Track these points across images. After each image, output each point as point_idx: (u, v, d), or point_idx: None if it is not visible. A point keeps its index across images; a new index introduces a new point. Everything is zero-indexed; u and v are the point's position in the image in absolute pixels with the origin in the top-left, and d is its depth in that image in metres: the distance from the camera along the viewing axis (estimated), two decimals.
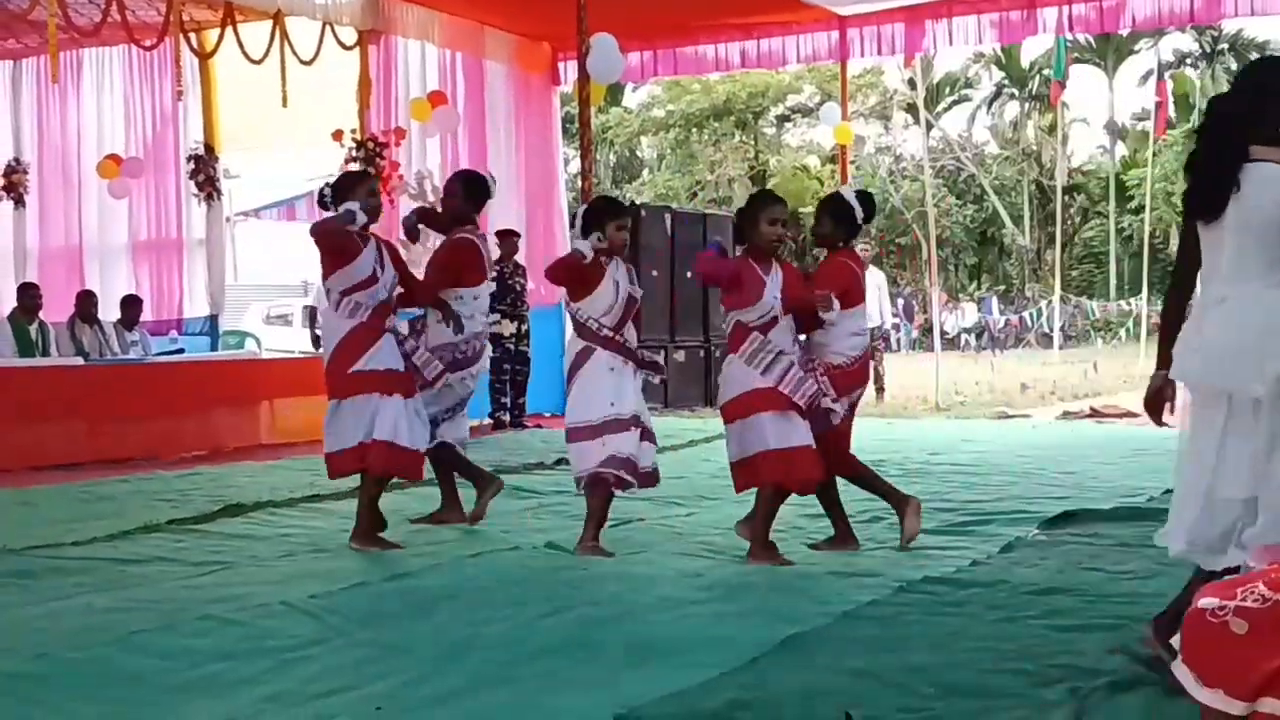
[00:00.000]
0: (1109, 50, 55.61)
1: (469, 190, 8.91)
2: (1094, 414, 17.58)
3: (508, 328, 15.82)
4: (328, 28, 15.17)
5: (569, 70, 18.32)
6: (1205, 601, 3.20)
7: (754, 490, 7.50)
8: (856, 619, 5.86)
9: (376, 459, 8.04)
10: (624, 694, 4.65)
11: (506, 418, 16.29)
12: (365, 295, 8.02)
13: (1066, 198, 50.78)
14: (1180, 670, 3.24)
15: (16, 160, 17.91)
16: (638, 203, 24.74)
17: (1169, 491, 9.51)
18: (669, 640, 5.49)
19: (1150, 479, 10.56)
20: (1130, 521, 8.41)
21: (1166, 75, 40.40)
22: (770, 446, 7.23)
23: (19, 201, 17.82)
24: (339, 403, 8.08)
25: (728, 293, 7.44)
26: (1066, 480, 10.78)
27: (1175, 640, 3.33)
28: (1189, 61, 59.60)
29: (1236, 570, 4.31)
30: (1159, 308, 31.84)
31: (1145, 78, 55.49)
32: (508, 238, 15.84)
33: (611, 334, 7.74)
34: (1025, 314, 44.95)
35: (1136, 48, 55.74)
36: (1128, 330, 38.90)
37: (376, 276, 8.08)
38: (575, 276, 7.75)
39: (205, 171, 16.53)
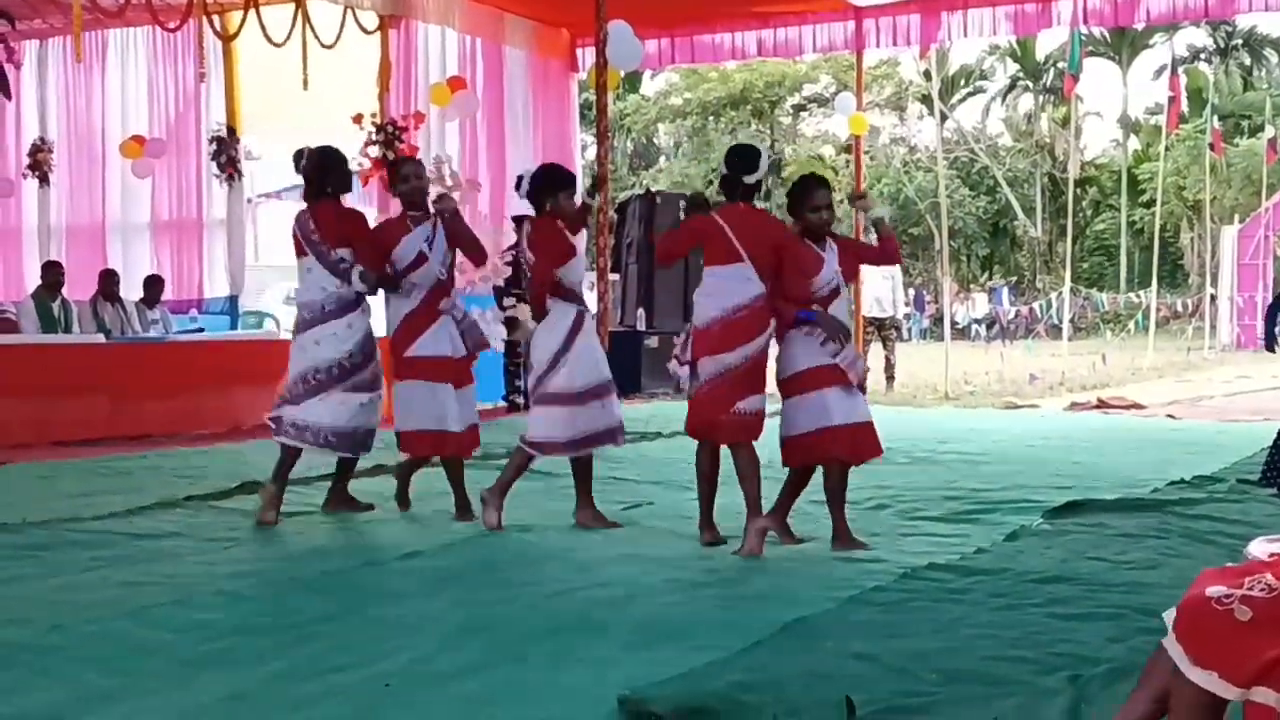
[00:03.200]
0: (1123, 44, 55.48)
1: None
2: (1101, 405, 17.60)
3: (523, 312, 15.84)
4: (349, 12, 15.22)
5: (587, 57, 18.37)
6: (1212, 590, 3.20)
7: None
8: (861, 604, 5.89)
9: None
10: (630, 674, 4.69)
11: (521, 400, 16.35)
12: (417, 276, 8.40)
13: (1079, 190, 50.68)
14: (1173, 648, 3.24)
15: (42, 139, 18.00)
16: (653, 189, 24.78)
17: (1173, 483, 9.67)
18: (675, 622, 5.55)
19: (1154, 470, 10.60)
20: (1134, 512, 8.42)
21: (1180, 70, 40.24)
22: (835, 422, 7.27)
23: (44, 180, 17.91)
24: (395, 384, 8.49)
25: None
26: (1072, 470, 10.78)
27: (1169, 615, 3.36)
28: (1203, 56, 59.50)
29: None
30: (1168, 300, 31.98)
31: (1159, 72, 55.46)
32: (524, 224, 15.81)
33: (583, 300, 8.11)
34: (1035, 305, 44.89)
35: (1150, 42, 55.61)
36: (1137, 323, 38.81)
37: (425, 256, 8.38)
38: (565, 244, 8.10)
39: (227, 152, 16.63)
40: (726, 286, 7.40)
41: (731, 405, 7.34)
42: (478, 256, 8.95)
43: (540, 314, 8.00)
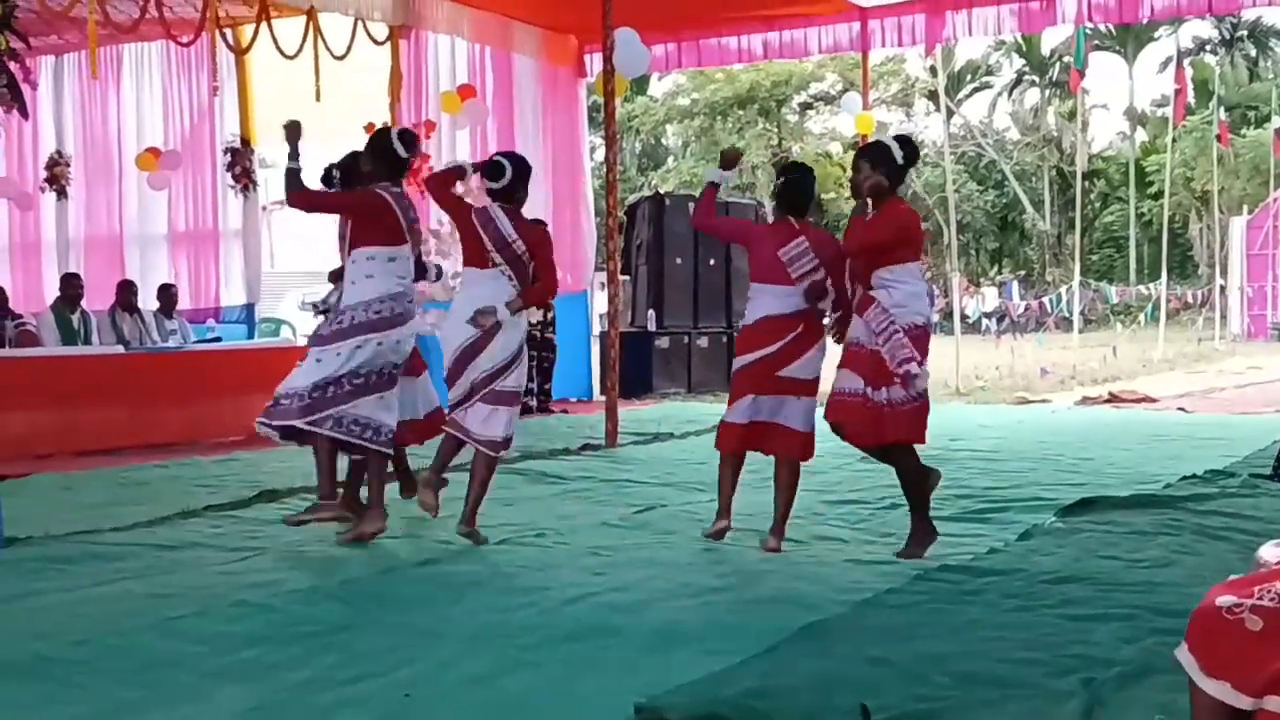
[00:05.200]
0: (1129, 37, 55.37)
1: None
2: (1112, 399, 17.64)
3: (534, 314, 15.89)
4: (360, 23, 15.29)
5: (595, 63, 18.41)
6: (1222, 600, 3.21)
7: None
8: (874, 607, 5.92)
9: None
10: (645, 680, 4.75)
11: (533, 403, 16.38)
12: None
13: (1086, 183, 50.71)
14: (1186, 658, 3.26)
15: (59, 153, 18.05)
16: (661, 191, 24.83)
17: (1185, 478, 9.70)
18: (690, 627, 5.59)
19: (1166, 465, 10.65)
20: (1146, 509, 8.45)
21: (1186, 62, 40.36)
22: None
23: (61, 193, 17.98)
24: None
25: None
26: (1084, 466, 10.82)
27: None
28: (1208, 48, 59.44)
29: None
30: (1178, 292, 32.01)
31: (1165, 64, 55.32)
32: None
33: None
34: (1045, 298, 44.84)
35: (1156, 35, 55.45)
36: (1147, 315, 38.81)
37: None
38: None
39: (241, 164, 16.71)
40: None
41: None
42: None
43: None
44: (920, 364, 7.13)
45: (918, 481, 7.40)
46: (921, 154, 54.91)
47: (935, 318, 44.94)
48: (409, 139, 8.14)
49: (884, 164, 7.30)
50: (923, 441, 7.34)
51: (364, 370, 7.78)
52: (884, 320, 7.15)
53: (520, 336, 7.83)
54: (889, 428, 7.20)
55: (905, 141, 7.50)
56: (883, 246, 7.23)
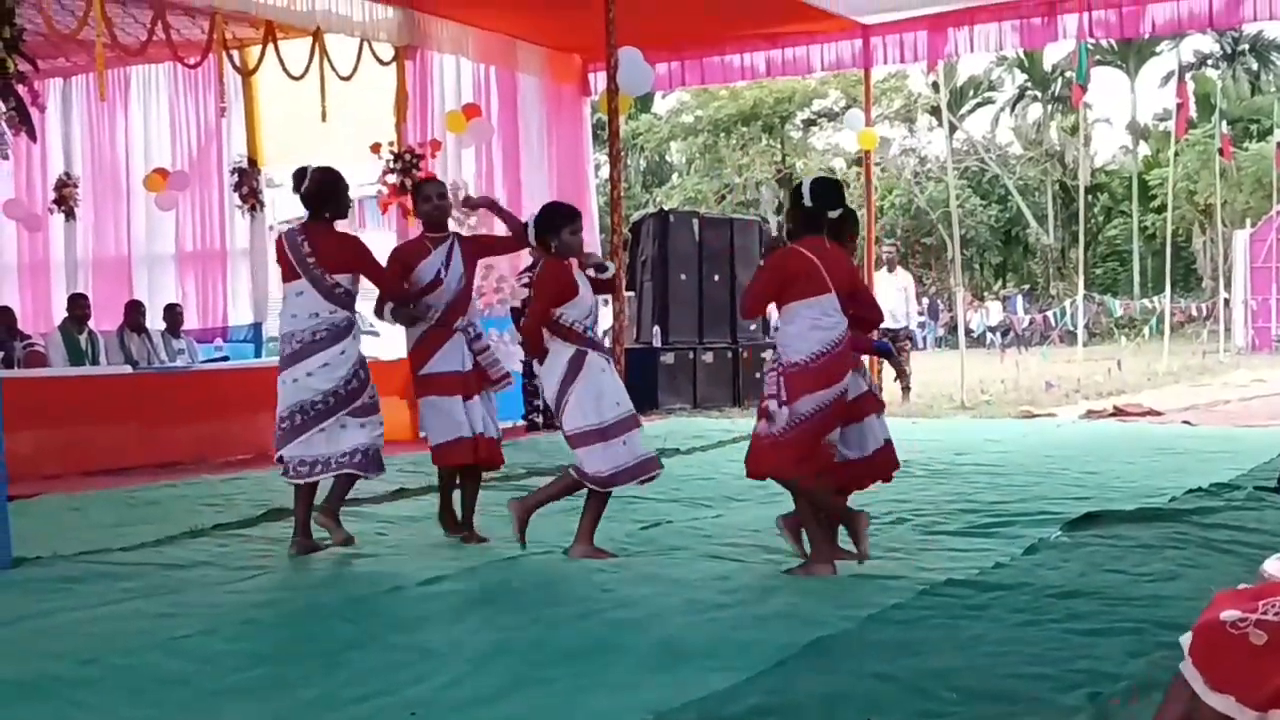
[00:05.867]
0: (1130, 52, 55.49)
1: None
2: (1117, 413, 17.61)
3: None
4: (365, 44, 15.37)
5: (599, 81, 18.48)
6: (1226, 614, 3.22)
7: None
8: (880, 622, 5.90)
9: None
10: (652, 697, 4.75)
11: (540, 420, 16.39)
12: (432, 298, 8.45)
13: (1090, 197, 50.77)
14: (1190, 672, 3.27)
15: (67, 174, 18.15)
16: (666, 208, 24.86)
17: (1190, 491, 9.68)
18: (696, 643, 5.57)
19: (1171, 479, 10.59)
20: (1152, 523, 8.43)
21: (1188, 76, 40.35)
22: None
23: (69, 214, 18.07)
24: (419, 401, 8.61)
25: None
26: (1089, 480, 10.78)
27: (1185, 640, 3.41)
28: (1210, 62, 59.56)
29: None
30: (1182, 305, 32.00)
31: (1167, 79, 55.41)
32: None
33: (593, 336, 8.00)
34: (1049, 312, 44.83)
35: (1158, 49, 55.57)
36: (1151, 328, 38.74)
37: (441, 280, 8.44)
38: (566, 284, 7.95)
39: (248, 184, 16.79)
40: (825, 320, 7.26)
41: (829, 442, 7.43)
42: (520, 241, 8.88)
43: (537, 353, 7.89)
44: (782, 403, 7.09)
45: (807, 516, 7.32)
46: (925, 169, 55.15)
47: (940, 332, 45.25)
48: (298, 176, 8.30)
49: (793, 205, 7.41)
50: (785, 476, 7.28)
51: (287, 413, 8.15)
52: (770, 361, 7.39)
53: (558, 375, 7.82)
54: (753, 461, 7.36)
55: (820, 184, 7.47)
56: (753, 295, 7.67)
